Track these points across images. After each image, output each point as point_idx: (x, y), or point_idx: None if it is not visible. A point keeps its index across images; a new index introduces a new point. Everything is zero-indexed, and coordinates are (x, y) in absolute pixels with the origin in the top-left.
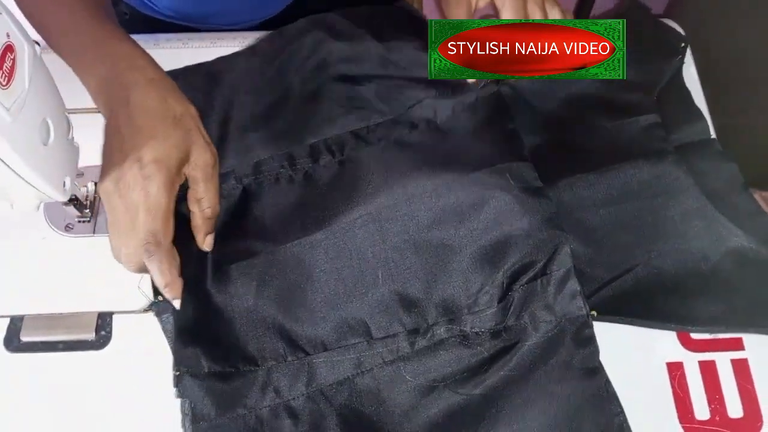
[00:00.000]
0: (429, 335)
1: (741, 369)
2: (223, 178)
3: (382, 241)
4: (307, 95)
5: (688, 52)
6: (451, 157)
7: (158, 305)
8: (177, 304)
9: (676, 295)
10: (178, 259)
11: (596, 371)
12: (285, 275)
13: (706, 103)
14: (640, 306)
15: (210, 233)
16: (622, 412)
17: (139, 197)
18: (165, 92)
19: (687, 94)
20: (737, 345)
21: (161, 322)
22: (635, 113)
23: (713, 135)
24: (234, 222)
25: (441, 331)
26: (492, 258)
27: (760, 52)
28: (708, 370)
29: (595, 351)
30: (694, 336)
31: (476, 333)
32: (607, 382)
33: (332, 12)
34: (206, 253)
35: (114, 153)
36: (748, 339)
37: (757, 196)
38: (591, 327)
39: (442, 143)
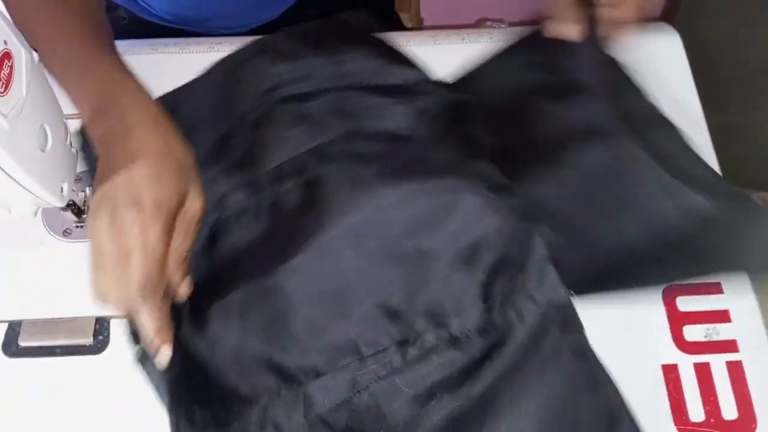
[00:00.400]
0: (419, 344)
1: (735, 371)
2: None
3: (359, 256)
4: (261, 120)
5: (683, 52)
6: (415, 164)
7: (142, 354)
8: (165, 351)
9: (649, 264)
10: (168, 304)
11: (586, 354)
12: (265, 307)
13: (702, 103)
14: (617, 280)
15: (185, 276)
16: (617, 391)
17: (137, 240)
18: (167, 133)
19: (621, 65)
20: (732, 347)
21: (146, 369)
22: (587, 98)
23: (708, 135)
24: (205, 262)
25: (430, 338)
26: (470, 259)
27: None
28: (703, 372)
29: (583, 334)
30: (689, 338)
31: (465, 334)
32: (599, 362)
33: (279, 32)
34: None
35: (108, 191)
36: (743, 341)
37: (757, 197)
38: (575, 312)
39: (403, 152)
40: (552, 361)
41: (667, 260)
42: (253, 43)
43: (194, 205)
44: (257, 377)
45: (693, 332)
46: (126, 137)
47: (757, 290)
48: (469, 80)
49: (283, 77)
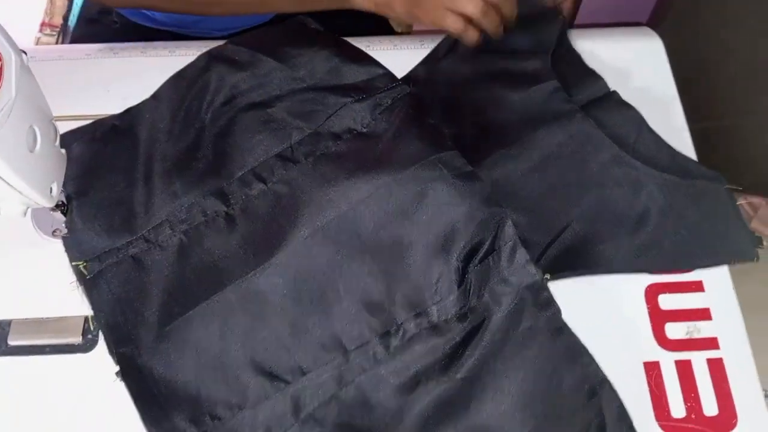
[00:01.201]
0: (400, 334)
1: (716, 368)
2: (157, 229)
3: (335, 253)
4: (222, 131)
5: (665, 57)
6: (381, 159)
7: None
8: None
9: (613, 241)
10: None
11: (562, 330)
12: (246, 311)
13: (684, 109)
14: (585, 258)
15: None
16: (594, 361)
17: None
18: None
19: (577, 56)
20: (713, 345)
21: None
22: (537, 81)
23: (690, 140)
24: (180, 273)
25: (411, 327)
26: (443, 246)
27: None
28: (684, 370)
29: (557, 311)
30: (670, 336)
31: (444, 321)
32: (574, 336)
33: (228, 41)
34: (160, 312)
35: None
36: (724, 339)
37: (742, 200)
38: (548, 290)
39: (368, 148)
40: (530, 340)
41: (628, 240)
42: (203, 57)
43: None
44: (244, 382)
45: (674, 330)
46: None
47: (737, 288)
48: (424, 72)
49: (240, 88)
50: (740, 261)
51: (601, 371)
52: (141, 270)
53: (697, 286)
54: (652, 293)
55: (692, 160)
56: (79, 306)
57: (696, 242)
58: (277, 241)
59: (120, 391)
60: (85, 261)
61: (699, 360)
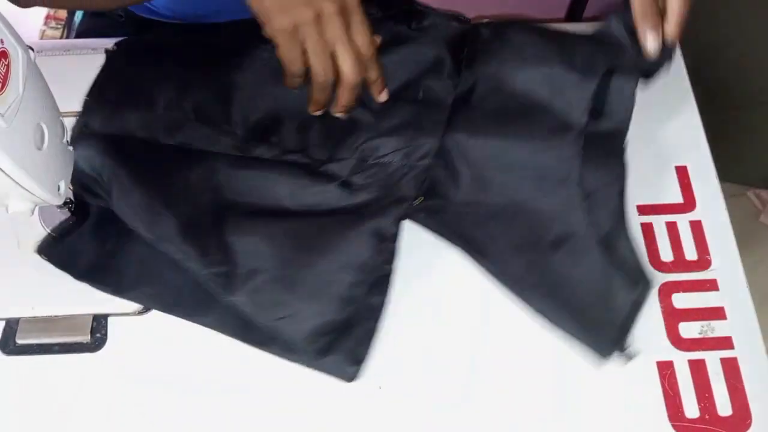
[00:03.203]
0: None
1: (730, 368)
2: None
3: None
4: None
5: (678, 51)
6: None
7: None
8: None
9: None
10: None
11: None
12: None
13: (697, 101)
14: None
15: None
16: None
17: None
18: None
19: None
20: (727, 344)
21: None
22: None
23: (703, 133)
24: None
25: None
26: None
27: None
28: (698, 369)
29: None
30: (684, 335)
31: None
32: None
33: None
34: None
35: None
36: (738, 339)
37: (750, 193)
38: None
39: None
40: None
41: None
42: None
43: None
44: None
45: (688, 329)
46: None
47: (751, 286)
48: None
49: None
50: (593, 355)
51: None
52: None
53: (711, 285)
54: (665, 292)
55: (634, 256)
56: (88, 305)
57: (571, 307)
58: None
59: (128, 391)
60: None
61: (713, 360)
